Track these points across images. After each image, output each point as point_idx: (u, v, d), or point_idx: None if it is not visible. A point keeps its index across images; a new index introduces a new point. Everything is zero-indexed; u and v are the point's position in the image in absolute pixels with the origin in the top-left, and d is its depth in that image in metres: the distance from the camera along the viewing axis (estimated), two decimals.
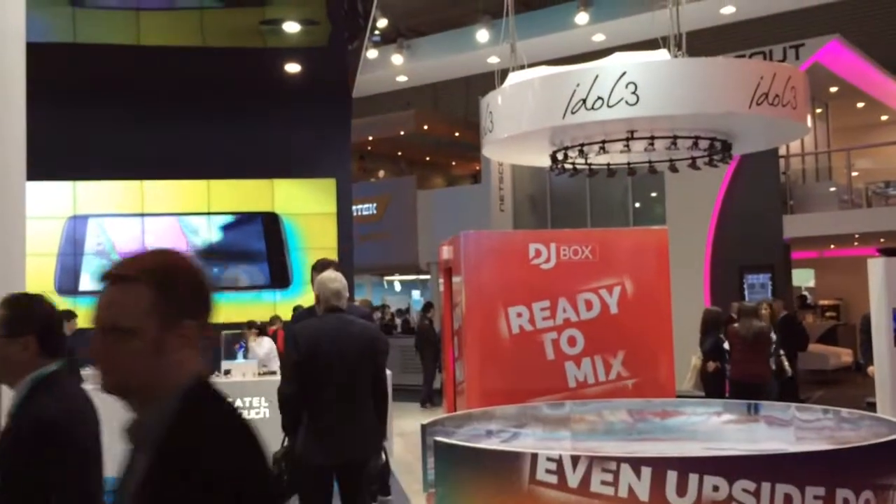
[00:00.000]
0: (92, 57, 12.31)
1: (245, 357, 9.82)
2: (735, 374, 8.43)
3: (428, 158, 28.31)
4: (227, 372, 8.85)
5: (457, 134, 25.48)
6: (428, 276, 21.61)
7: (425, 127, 24.48)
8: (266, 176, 14.05)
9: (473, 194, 19.64)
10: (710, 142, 7.51)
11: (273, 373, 8.95)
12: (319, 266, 5.22)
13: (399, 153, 27.59)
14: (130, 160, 13.39)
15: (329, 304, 4.51)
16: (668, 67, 6.94)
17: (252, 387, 8.43)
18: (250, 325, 10.67)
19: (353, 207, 15.69)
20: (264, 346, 10.27)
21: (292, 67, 13.27)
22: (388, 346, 7.63)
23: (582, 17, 15.68)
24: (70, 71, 12.06)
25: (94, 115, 13.22)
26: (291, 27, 11.67)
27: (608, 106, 6.56)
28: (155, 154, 13.43)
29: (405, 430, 9.75)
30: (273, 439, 5.06)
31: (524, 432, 5.67)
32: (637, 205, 16.74)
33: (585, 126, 7.01)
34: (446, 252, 8.01)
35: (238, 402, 8.14)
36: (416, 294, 26.54)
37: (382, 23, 17.49)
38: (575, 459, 3.82)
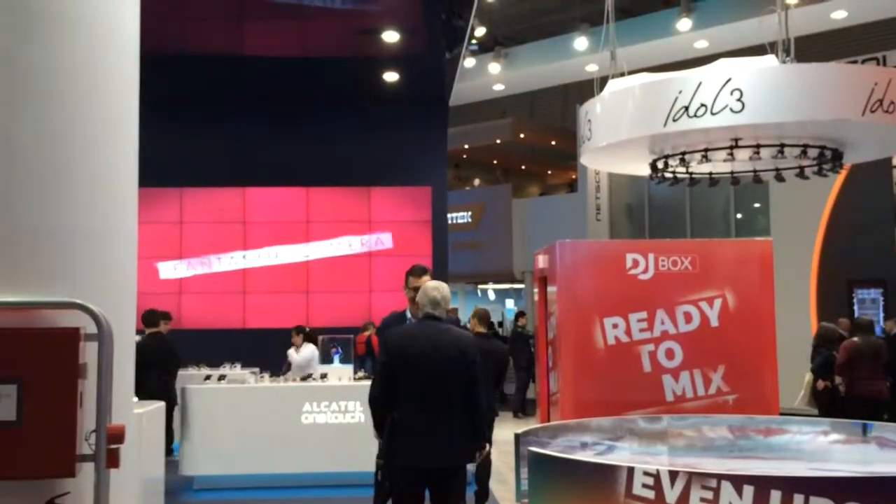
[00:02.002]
0: (198, 67, 12.76)
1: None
2: (855, 391, 8.10)
3: (523, 167, 28.25)
4: (324, 376, 8.99)
5: (553, 142, 25.33)
6: (522, 285, 21.53)
7: (521, 135, 24.43)
8: (363, 183, 14.28)
9: (569, 203, 19.47)
10: (819, 150, 7.23)
11: (368, 376, 9.05)
12: (418, 271, 5.27)
13: (494, 161, 27.62)
14: (233, 168, 13.82)
15: (425, 312, 4.55)
16: (775, 73, 6.73)
17: (348, 391, 8.53)
18: (298, 329, 10.60)
19: (448, 215, 15.76)
20: (304, 352, 10.25)
21: (390, 76, 13.44)
22: (504, 353, 7.59)
23: (684, 24, 15.35)
24: (177, 80, 12.53)
25: (198, 124, 13.69)
26: (390, 37, 11.82)
27: (712, 113, 6.40)
28: (256, 162, 13.83)
29: (498, 438, 9.70)
30: (368, 443, 5.12)
31: (620, 445, 5.55)
32: (739, 215, 16.27)
33: (687, 134, 6.86)
34: (542, 261, 7.95)
35: (334, 406, 8.30)
36: (509, 303, 26.47)
37: (480, 31, 17.53)
38: (673, 475, 3.71)
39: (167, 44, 11.57)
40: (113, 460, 3.03)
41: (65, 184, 3.15)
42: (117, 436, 3.04)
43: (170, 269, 14.08)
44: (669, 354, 6.71)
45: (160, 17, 10.22)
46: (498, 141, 24.61)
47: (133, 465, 3.54)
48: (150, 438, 5.95)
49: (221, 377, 9.27)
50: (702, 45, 15.85)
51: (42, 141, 3.11)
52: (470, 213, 20.78)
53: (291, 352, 10.36)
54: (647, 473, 3.75)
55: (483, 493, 7.28)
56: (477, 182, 28.12)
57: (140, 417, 4.96)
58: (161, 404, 6.68)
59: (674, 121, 6.62)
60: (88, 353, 3.06)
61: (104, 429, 3.01)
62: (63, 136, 3.15)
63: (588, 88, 9.14)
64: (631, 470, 3.80)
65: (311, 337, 10.48)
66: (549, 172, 28.79)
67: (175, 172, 13.40)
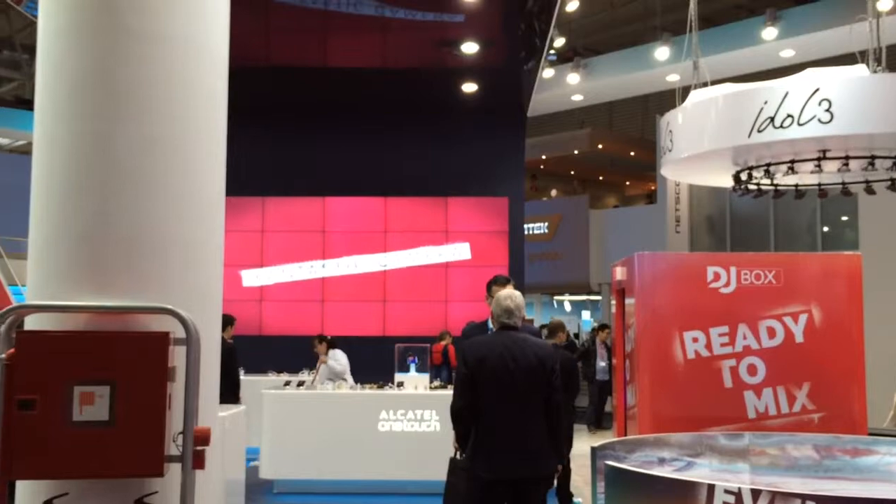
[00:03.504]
0: (282, 79, 13.05)
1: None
2: None
3: (601, 178, 28.00)
4: (400, 384, 9.06)
5: (632, 153, 25.05)
6: (599, 297, 21.31)
7: (600, 146, 24.23)
8: (440, 193, 14.36)
9: (648, 214, 19.23)
10: None
11: (444, 386, 9.09)
12: (502, 281, 5.28)
13: (572, 172, 27.44)
14: (313, 178, 14.07)
15: (500, 322, 4.54)
16: (866, 83, 6.53)
17: (424, 399, 8.59)
18: (320, 338, 10.27)
19: (525, 226, 15.72)
20: (342, 360, 9.92)
21: (469, 87, 13.51)
22: (568, 361, 7.54)
23: (770, 32, 15.00)
24: (260, 92, 12.83)
25: (281, 135, 14.00)
26: (470, 48, 11.88)
27: (799, 124, 6.24)
28: (336, 172, 14.05)
29: (574, 452, 9.61)
30: (444, 452, 5.14)
31: (699, 462, 5.44)
32: (826, 228, 15.80)
33: (773, 145, 6.71)
34: (619, 273, 7.86)
35: (410, 414, 8.36)
36: (586, 315, 26.22)
37: (559, 42, 17.47)
38: (756, 494, 3.62)
39: (252, 57, 11.88)
40: (199, 461, 3.12)
41: (158, 194, 3.27)
42: (203, 438, 3.13)
43: (252, 277, 14.40)
44: (752, 370, 6.54)
45: (247, 31, 10.49)
46: (576, 151, 24.46)
47: (217, 466, 3.64)
48: (233, 441, 6.10)
49: (300, 383, 9.43)
50: (788, 54, 15.47)
51: (137, 153, 3.24)
52: (547, 223, 20.69)
53: (331, 362, 9.96)
54: (728, 491, 3.67)
55: (565, 496, 7.28)
56: (554, 193, 27.98)
57: (223, 420, 5.08)
58: (243, 408, 6.83)
59: (759, 132, 6.48)
60: (177, 357, 3.16)
61: (191, 431, 3.10)
62: (157, 147, 3.28)
63: (668, 99, 9.04)
64: (711, 487, 3.73)
65: (333, 345, 10.25)
66: (628, 183, 28.47)
67: (258, 182, 13.72)
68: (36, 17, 3.45)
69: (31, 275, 3.35)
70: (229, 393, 8.28)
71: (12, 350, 2.99)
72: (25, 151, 21.19)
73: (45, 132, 3.31)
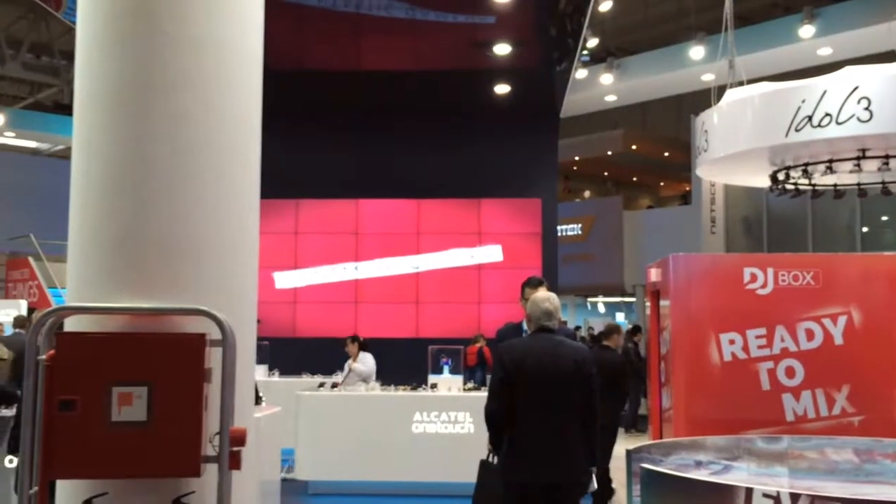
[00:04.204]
0: (316, 82, 13.13)
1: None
2: None
3: (635, 179, 27.83)
4: (434, 386, 9.06)
5: (666, 154, 24.86)
6: (633, 299, 21.18)
7: (633, 147, 24.08)
8: (473, 195, 14.35)
9: (683, 215, 19.07)
10: None
11: (478, 388, 9.08)
12: (535, 282, 5.26)
13: (605, 173, 27.31)
14: (347, 180, 14.14)
15: (539, 324, 4.51)
16: None
17: (458, 401, 8.58)
18: (353, 339, 10.04)
19: (558, 227, 15.66)
20: (368, 362, 9.73)
21: (501, 89, 13.50)
22: (616, 364, 7.48)
23: (807, 31, 14.81)
24: (295, 95, 12.91)
25: (314, 137, 14.09)
26: (502, 49, 11.87)
27: (837, 123, 6.15)
28: (369, 174, 14.11)
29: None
30: (478, 454, 5.13)
31: (736, 466, 5.37)
32: (865, 229, 15.54)
33: (811, 144, 6.62)
34: (654, 274, 7.80)
35: (444, 416, 8.36)
36: (620, 316, 26.06)
37: (592, 42, 17.39)
38: (795, 497, 3.57)
39: (286, 60, 11.97)
40: (235, 462, 3.14)
41: (194, 196, 3.30)
42: (239, 438, 3.15)
43: (285, 279, 14.50)
44: (790, 372, 6.46)
45: (281, 34, 10.57)
46: (609, 152, 24.33)
47: (252, 467, 3.65)
48: (268, 442, 6.14)
49: (334, 385, 9.47)
50: (825, 52, 15.26)
51: (173, 156, 3.27)
52: (580, 225, 20.60)
53: (357, 365, 9.72)
54: (766, 495, 3.62)
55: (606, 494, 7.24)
56: (587, 194, 27.86)
57: (258, 421, 5.12)
58: (278, 409, 6.88)
59: (796, 131, 6.40)
60: (213, 359, 3.19)
61: (227, 431, 3.12)
62: (194, 150, 3.31)
63: (703, 98, 8.95)
64: (749, 491, 3.68)
65: (365, 346, 10.08)
66: (662, 184, 28.26)
67: (292, 184, 13.81)
68: (74, 23, 3.50)
69: (70, 277, 3.39)
70: None
71: (53, 352, 3.04)
72: (65, 156, 21.54)
73: (83, 137, 3.35)
